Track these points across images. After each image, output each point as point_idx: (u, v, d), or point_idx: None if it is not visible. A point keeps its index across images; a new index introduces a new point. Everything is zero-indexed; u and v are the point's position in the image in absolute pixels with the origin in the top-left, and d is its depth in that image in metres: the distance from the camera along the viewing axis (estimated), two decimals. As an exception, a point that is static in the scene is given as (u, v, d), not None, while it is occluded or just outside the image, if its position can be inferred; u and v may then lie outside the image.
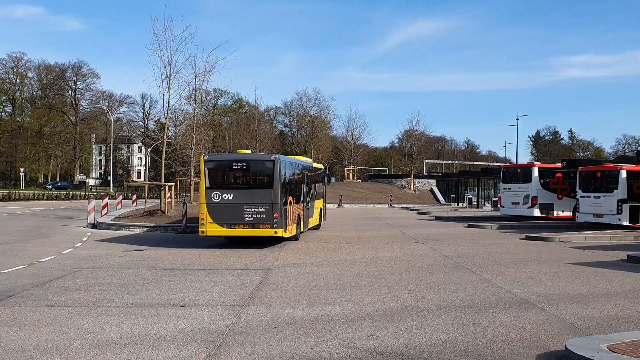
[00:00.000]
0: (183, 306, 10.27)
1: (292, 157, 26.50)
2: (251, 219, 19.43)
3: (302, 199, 23.33)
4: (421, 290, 11.93)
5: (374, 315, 9.67)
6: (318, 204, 27.44)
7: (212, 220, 19.61)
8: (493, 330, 8.68)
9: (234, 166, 20.34)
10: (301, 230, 23.03)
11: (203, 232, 19.75)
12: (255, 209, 19.43)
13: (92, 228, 27.28)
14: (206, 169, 20.08)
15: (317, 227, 27.78)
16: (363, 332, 8.51)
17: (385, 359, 7.27)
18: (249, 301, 10.73)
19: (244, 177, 20.47)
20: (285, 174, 20.76)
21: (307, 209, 24.42)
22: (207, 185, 19.90)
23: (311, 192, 25.45)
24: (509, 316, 9.62)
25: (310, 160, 29.02)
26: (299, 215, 22.39)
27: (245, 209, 19.45)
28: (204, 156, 20.67)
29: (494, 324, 9.05)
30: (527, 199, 31.74)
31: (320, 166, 31.00)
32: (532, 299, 11.04)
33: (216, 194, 19.70)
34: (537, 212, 31.37)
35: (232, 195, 19.67)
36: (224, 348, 7.70)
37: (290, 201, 20.99)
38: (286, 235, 20.29)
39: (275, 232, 19.39)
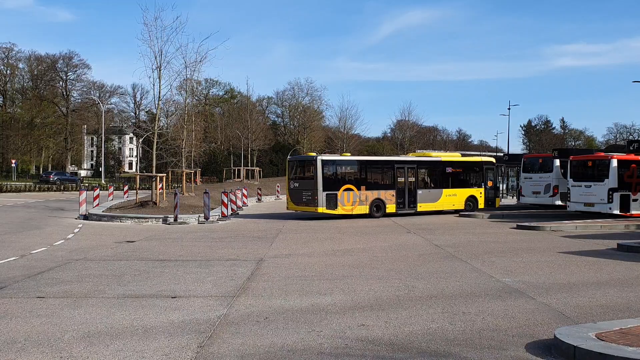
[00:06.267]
0: (174, 297, 10.28)
1: (427, 153, 36.40)
2: (305, 200, 28.31)
3: (389, 187, 29.84)
4: (412, 280, 11.98)
5: (365, 304, 9.71)
6: (457, 191, 32.10)
7: (290, 200, 29.24)
8: (483, 319, 8.73)
9: (297, 164, 30.57)
10: (389, 211, 29.41)
11: (288, 207, 29.73)
12: (307, 193, 28.18)
13: (83, 219, 27.22)
14: (288, 166, 30.16)
15: (464, 210, 31.86)
16: (354, 322, 8.55)
17: (375, 348, 7.31)
18: (241, 292, 10.75)
19: (302, 171, 29.66)
20: (332, 169, 28.78)
21: (412, 194, 30.39)
22: (289, 177, 29.53)
23: (424, 181, 31.69)
24: (499, 305, 9.68)
25: (442, 154, 35.41)
26: (376, 199, 29.09)
27: (303, 193, 28.46)
28: (288, 157, 32.31)
29: (484, 313, 9.11)
30: (548, 188, 31.91)
31: (476, 159, 35.86)
32: (522, 288, 11.11)
33: (291, 182, 29.34)
34: (558, 201, 31.55)
35: (298, 184, 29.08)
36: (215, 339, 7.72)
37: (349, 188, 28.49)
38: (335, 212, 28.06)
39: (316, 209, 27.67)
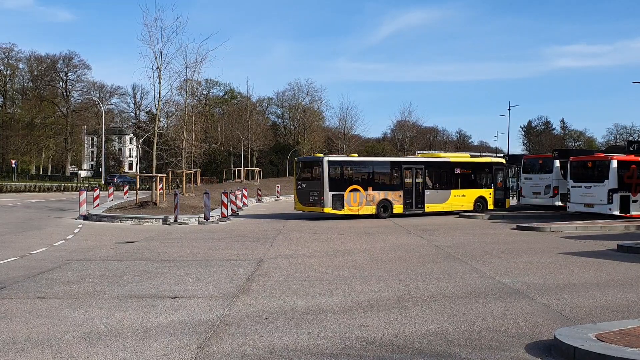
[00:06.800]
0: (174, 298, 10.29)
1: (436, 154, 37.08)
2: (312, 200, 28.61)
3: (396, 187, 29.99)
4: (412, 281, 11.98)
5: (365, 305, 9.72)
6: (466, 192, 32.12)
7: (298, 201, 29.52)
8: (483, 320, 8.73)
9: (304, 164, 31.08)
10: (396, 212, 29.61)
11: (295, 208, 30.00)
12: (314, 194, 28.48)
13: (83, 220, 27.20)
14: (295, 167, 31.09)
15: (473, 211, 31.74)
16: (354, 323, 8.55)
17: (375, 348, 7.32)
18: (241, 292, 10.75)
19: (309, 171, 30.08)
20: (338, 170, 29.01)
21: (419, 195, 30.57)
22: (296, 177, 30.00)
23: (432, 182, 31.44)
24: (498, 306, 9.68)
25: (450, 155, 36.69)
26: (383, 199, 29.33)
27: (310, 194, 28.75)
28: (296, 158, 33.45)
29: (483, 314, 9.11)
30: (548, 189, 31.95)
31: (485, 160, 36.26)
32: (522, 289, 11.11)
33: (299, 183, 29.65)
34: (558, 202, 31.55)
35: (305, 184, 29.37)
36: (215, 339, 7.72)
37: (355, 188, 28.73)
38: (341, 212, 28.33)
39: (323, 210, 27.95)
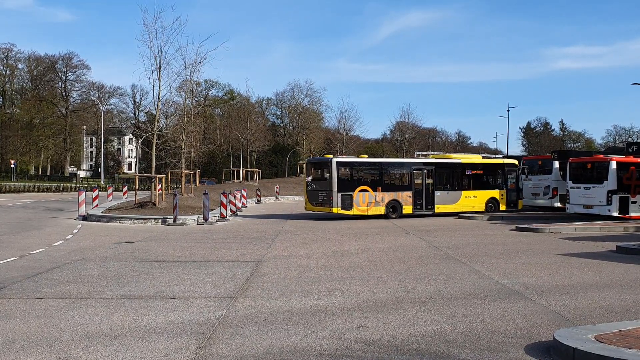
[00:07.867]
0: (173, 298, 10.28)
1: (447, 155, 38.67)
2: (321, 200, 28.88)
3: (406, 188, 30.21)
4: (411, 281, 11.97)
5: (364, 306, 9.71)
6: (477, 193, 32.19)
7: (308, 201, 29.92)
8: (482, 321, 8.73)
9: (314, 165, 31.81)
10: (405, 212, 29.82)
11: (305, 208, 30.31)
12: (322, 194, 28.83)
13: (82, 220, 27.19)
14: (306, 167, 32.22)
15: (485, 212, 31.81)
16: (353, 323, 8.54)
17: (374, 349, 7.31)
18: (240, 293, 10.74)
19: (318, 172, 30.45)
20: (347, 171, 29.38)
21: (429, 196, 30.70)
22: (307, 178, 30.51)
23: (442, 183, 31.53)
24: (498, 307, 9.68)
25: (461, 156, 36.69)
26: (392, 200, 29.52)
27: (319, 194, 29.08)
28: (306, 159, 34.17)
29: (483, 315, 9.10)
30: (547, 190, 31.94)
31: (497, 161, 36.65)
32: (521, 290, 11.10)
33: (309, 183, 30.09)
34: (557, 203, 31.52)
35: (315, 185, 29.70)
36: (214, 340, 7.71)
37: (364, 189, 28.98)
38: (350, 213, 28.57)
39: (331, 210, 28.27)
